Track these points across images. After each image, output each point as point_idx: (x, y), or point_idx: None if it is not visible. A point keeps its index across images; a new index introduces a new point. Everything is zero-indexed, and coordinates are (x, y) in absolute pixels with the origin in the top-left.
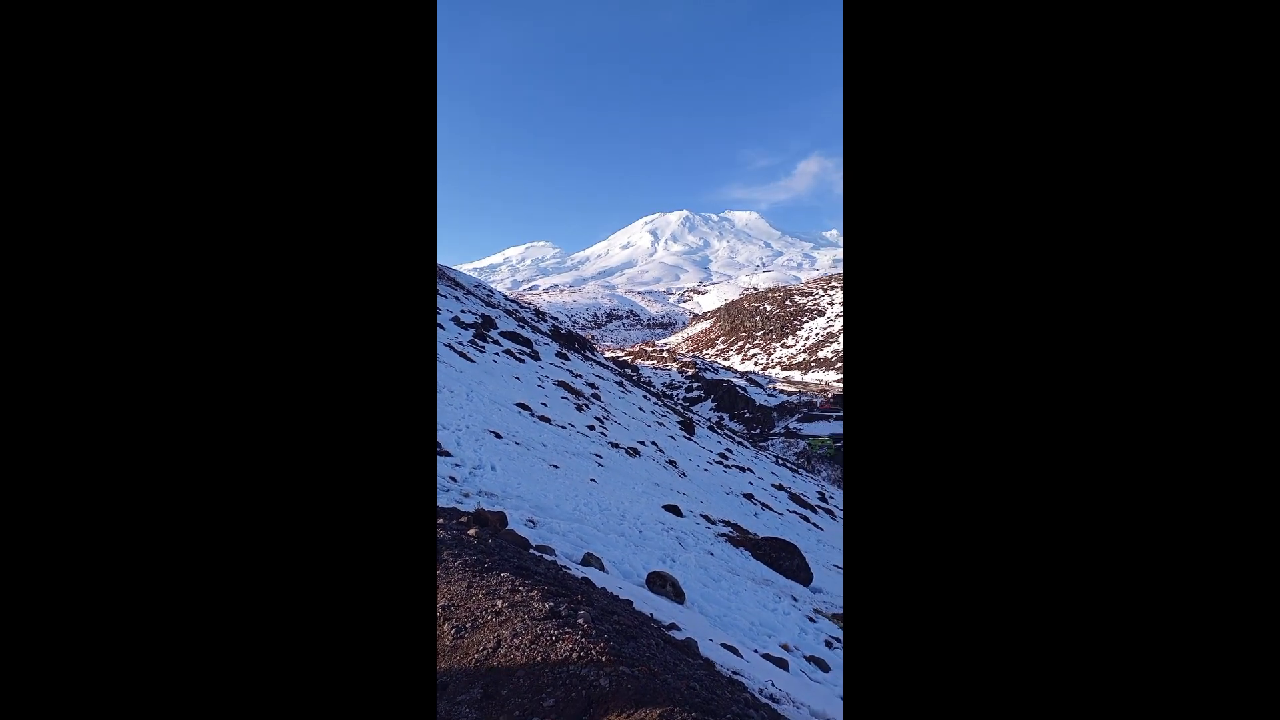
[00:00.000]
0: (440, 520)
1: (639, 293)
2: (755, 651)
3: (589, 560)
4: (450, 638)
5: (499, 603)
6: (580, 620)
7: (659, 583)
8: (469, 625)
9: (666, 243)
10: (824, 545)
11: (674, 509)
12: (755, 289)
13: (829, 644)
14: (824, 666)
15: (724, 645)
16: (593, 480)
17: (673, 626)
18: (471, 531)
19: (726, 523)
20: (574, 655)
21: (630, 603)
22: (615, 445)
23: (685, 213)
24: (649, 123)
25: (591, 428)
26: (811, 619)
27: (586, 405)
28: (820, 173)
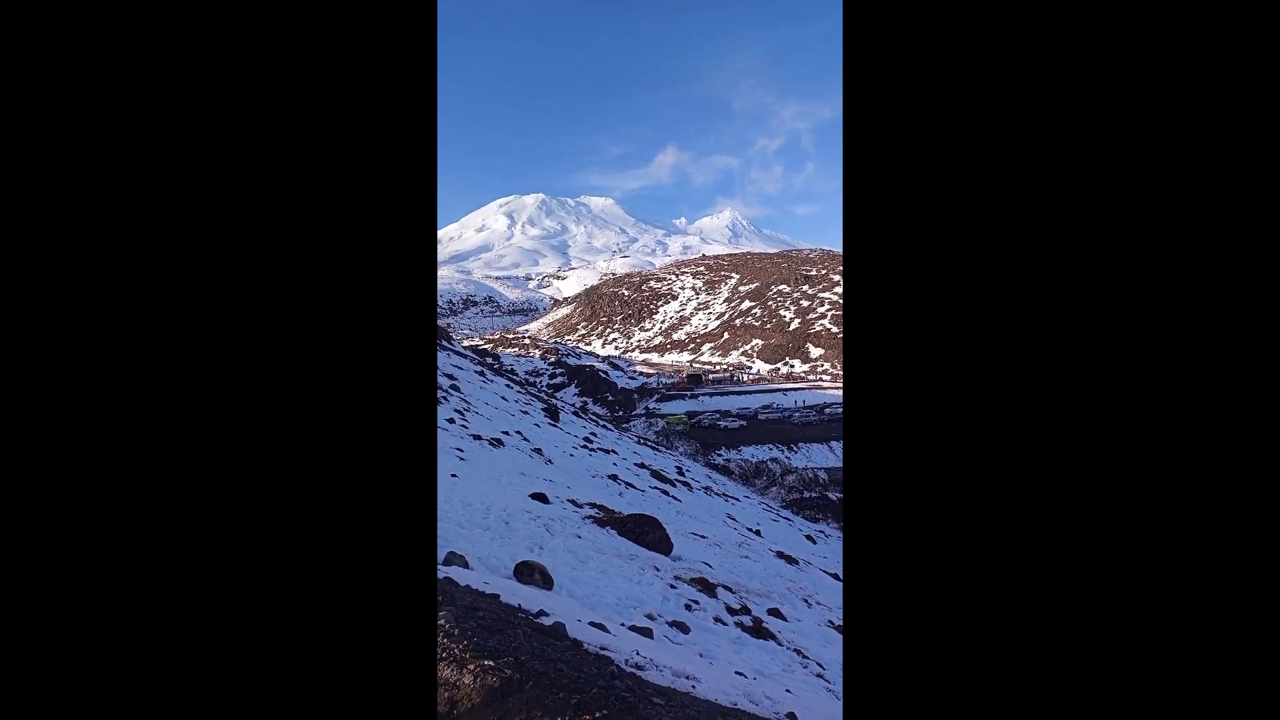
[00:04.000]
0: None
1: (497, 278)
2: (622, 625)
3: (451, 559)
4: None
5: None
6: (441, 621)
7: (527, 572)
8: None
9: (524, 226)
10: (683, 516)
11: (541, 496)
12: (614, 274)
13: (688, 607)
14: (684, 629)
15: (592, 624)
16: (454, 475)
17: (541, 613)
18: None
19: (593, 505)
20: (435, 658)
21: (497, 596)
22: (477, 437)
23: (541, 196)
24: (499, 103)
25: (451, 421)
26: (673, 585)
27: (445, 398)
28: (677, 164)
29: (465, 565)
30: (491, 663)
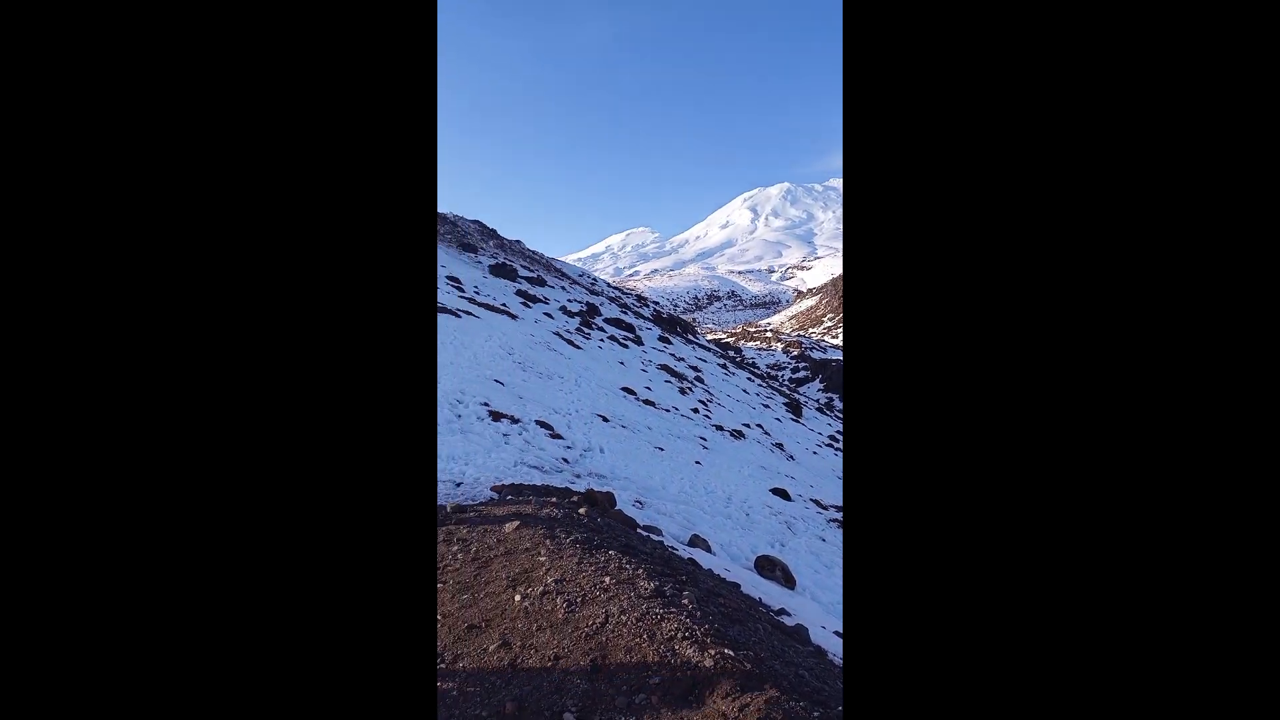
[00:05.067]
0: (553, 499)
1: (739, 272)
2: None
3: (695, 542)
4: (563, 611)
5: (607, 579)
6: (685, 601)
7: (768, 567)
8: (579, 600)
9: (767, 219)
10: None
11: (782, 492)
12: None
13: None
14: None
15: (837, 634)
16: (698, 463)
17: (782, 612)
18: (582, 511)
19: (839, 508)
20: (678, 635)
21: (738, 586)
22: (719, 428)
23: (786, 185)
24: (745, 93)
25: (695, 410)
26: None
27: (690, 388)
28: None
29: (708, 550)
30: (731, 653)
